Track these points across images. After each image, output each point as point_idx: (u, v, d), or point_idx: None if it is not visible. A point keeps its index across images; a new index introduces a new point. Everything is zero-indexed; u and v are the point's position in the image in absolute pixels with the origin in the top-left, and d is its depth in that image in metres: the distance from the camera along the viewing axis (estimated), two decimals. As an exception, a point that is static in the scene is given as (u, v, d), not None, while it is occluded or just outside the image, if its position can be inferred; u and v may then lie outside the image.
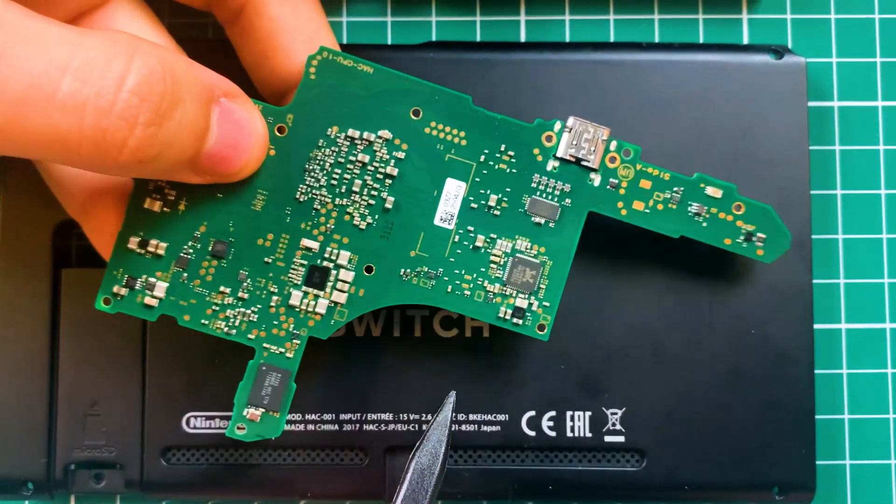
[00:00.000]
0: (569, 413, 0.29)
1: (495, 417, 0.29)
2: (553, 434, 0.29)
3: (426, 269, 0.26)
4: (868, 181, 0.32)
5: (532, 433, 0.29)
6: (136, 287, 0.25)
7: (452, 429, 0.27)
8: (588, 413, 0.29)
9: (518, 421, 0.29)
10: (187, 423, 0.29)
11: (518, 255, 0.26)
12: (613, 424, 0.29)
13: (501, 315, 0.26)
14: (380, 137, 0.25)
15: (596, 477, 0.29)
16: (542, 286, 0.26)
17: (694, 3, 0.32)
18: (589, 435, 0.29)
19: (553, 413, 0.29)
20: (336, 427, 0.29)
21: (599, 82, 0.29)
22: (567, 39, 0.31)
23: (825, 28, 0.32)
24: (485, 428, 0.29)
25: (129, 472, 0.29)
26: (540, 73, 0.29)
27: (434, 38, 0.31)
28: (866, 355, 0.31)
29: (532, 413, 0.29)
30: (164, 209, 0.25)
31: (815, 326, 0.30)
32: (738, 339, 0.29)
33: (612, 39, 0.31)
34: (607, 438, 0.29)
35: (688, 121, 0.29)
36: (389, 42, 0.32)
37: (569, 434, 0.29)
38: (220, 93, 0.22)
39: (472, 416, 0.29)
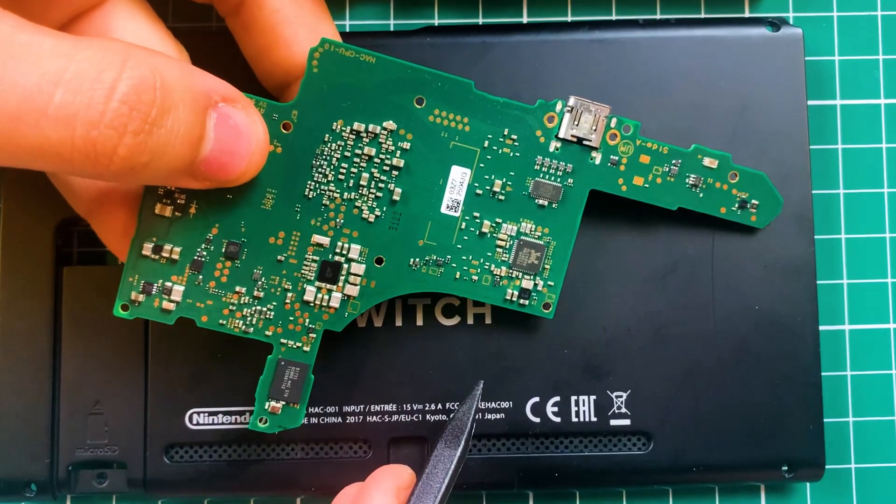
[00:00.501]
0: (573, 398, 0.29)
1: (499, 405, 0.29)
2: (558, 420, 0.29)
3: (435, 258, 0.26)
4: (871, 180, 0.31)
5: (537, 419, 0.29)
6: (153, 292, 0.25)
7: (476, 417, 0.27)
8: (593, 397, 0.29)
9: (522, 408, 0.29)
10: (190, 419, 0.29)
11: (523, 237, 0.26)
12: (619, 408, 0.29)
13: (508, 297, 0.27)
14: (385, 129, 0.25)
15: (602, 462, 0.29)
16: (546, 266, 0.27)
17: (696, 3, 0.32)
18: (594, 419, 0.29)
19: (557, 398, 0.29)
20: (339, 419, 0.29)
21: (597, 61, 0.29)
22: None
23: (827, 25, 0.32)
24: (489, 416, 0.29)
25: (132, 471, 0.29)
26: (538, 54, 0.29)
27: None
28: (870, 356, 0.31)
29: (536, 399, 0.29)
30: (176, 213, 0.25)
31: (820, 328, 0.29)
32: (742, 316, 0.29)
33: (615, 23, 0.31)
34: (613, 422, 0.29)
35: (687, 96, 0.29)
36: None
37: (574, 419, 0.29)
38: (219, 98, 0.22)
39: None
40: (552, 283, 0.27)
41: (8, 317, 0.29)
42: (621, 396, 0.29)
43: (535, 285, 0.27)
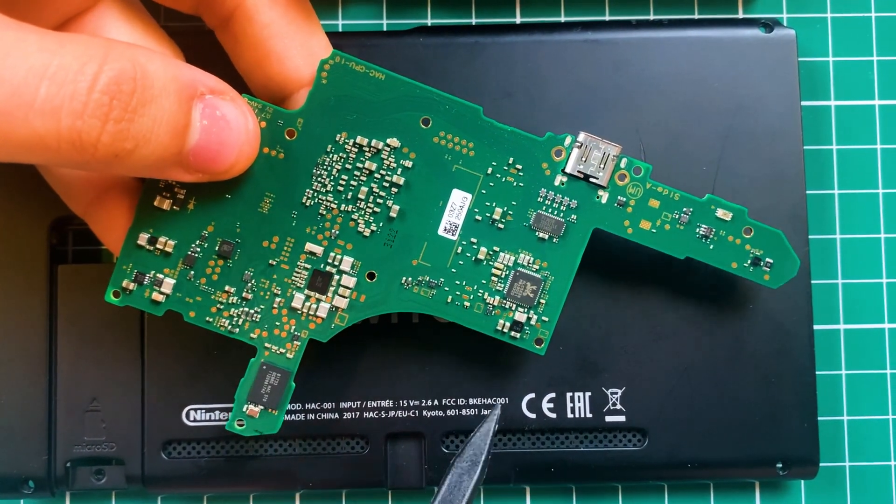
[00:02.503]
0: (569, 394, 0.29)
1: (495, 401, 0.29)
2: (553, 416, 0.29)
3: (427, 279, 0.26)
4: (865, 180, 0.31)
5: (532, 416, 0.29)
6: (145, 282, 0.25)
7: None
8: (588, 393, 0.29)
9: (518, 404, 0.29)
10: (187, 416, 0.29)
11: (520, 269, 0.26)
12: (614, 404, 0.29)
13: (500, 328, 0.26)
14: (388, 145, 0.25)
15: (598, 458, 0.29)
16: (542, 301, 0.26)
17: (690, 4, 0.32)
18: (589, 415, 0.29)
19: (553, 395, 0.29)
20: (336, 415, 0.29)
21: (591, 62, 0.29)
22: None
23: (821, 27, 0.32)
24: (485, 412, 0.29)
25: (130, 468, 0.29)
26: (531, 55, 0.29)
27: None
28: (865, 356, 0.31)
29: (532, 395, 0.29)
30: (174, 207, 0.25)
31: (815, 327, 0.30)
32: (737, 314, 0.29)
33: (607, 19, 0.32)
34: (608, 418, 0.29)
35: (680, 97, 0.29)
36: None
37: (569, 415, 0.29)
38: (205, 89, 0.22)
39: (472, 401, 0.29)
40: (546, 319, 0.26)
41: (3, 315, 0.29)
42: (616, 393, 0.29)
43: (529, 319, 0.26)
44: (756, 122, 0.29)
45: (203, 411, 0.29)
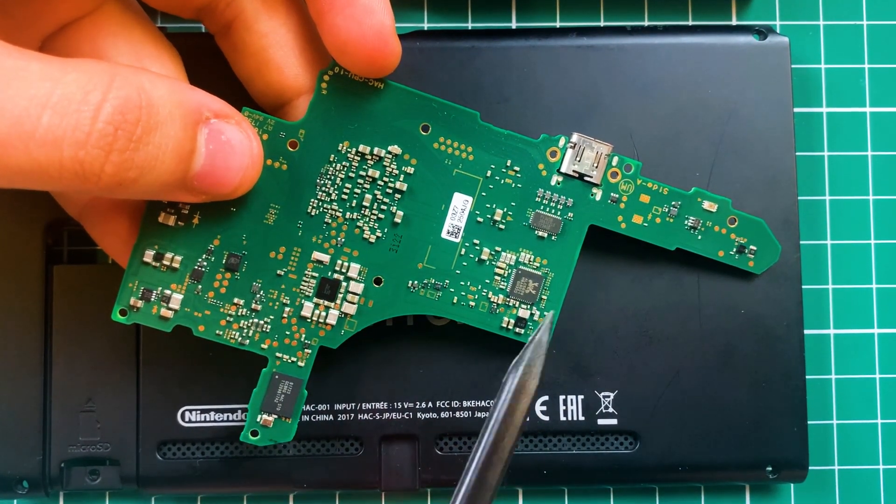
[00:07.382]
0: (561, 397, 0.29)
1: (489, 404, 0.29)
2: (546, 419, 0.29)
3: (433, 281, 0.27)
4: (856, 186, 0.32)
5: (526, 418, 0.29)
6: (152, 299, 0.25)
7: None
8: (580, 397, 0.29)
9: None
10: (182, 416, 0.29)
11: (521, 267, 0.27)
12: (606, 407, 0.29)
13: (504, 325, 0.27)
14: (389, 153, 0.26)
15: (590, 460, 0.29)
16: (543, 297, 0.27)
17: (684, 11, 0.32)
18: (582, 419, 0.29)
19: (546, 398, 0.29)
20: (331, 417, 0.29)
21: (585, 67, 0.29)
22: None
23: (814, 34, 0.32)
24: (478, 414, 0.29)
25: (125, 468, 0.29)
26: (526, 60, 0.29)
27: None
28: (854, 360, 0.32)
29: None
30: (179, 223, 0.25)
31: (805, 332, 0.30)
32: (728, 319, 0.29)
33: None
34: (600, 422, 0.29)
35: (674, 103, 0.29)
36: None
37: (562, 418, 0.29)
38: (210, 113, 0.22)
39: (465, 403, 0.29)
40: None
41: (-2, 316, 0.29)
42: (608, 396, 0.29)
43: (532, 315, 0.27)
44: (749, 128, 0.29)
45: (198, 412, 0.29)
